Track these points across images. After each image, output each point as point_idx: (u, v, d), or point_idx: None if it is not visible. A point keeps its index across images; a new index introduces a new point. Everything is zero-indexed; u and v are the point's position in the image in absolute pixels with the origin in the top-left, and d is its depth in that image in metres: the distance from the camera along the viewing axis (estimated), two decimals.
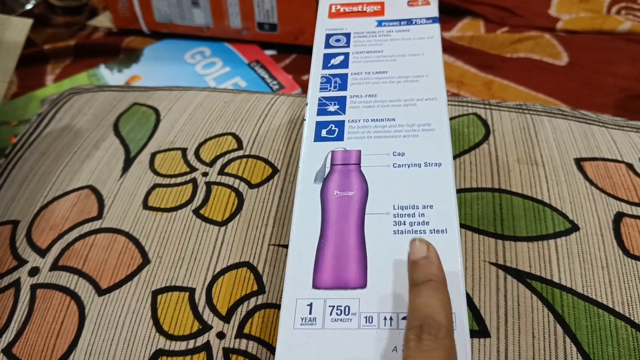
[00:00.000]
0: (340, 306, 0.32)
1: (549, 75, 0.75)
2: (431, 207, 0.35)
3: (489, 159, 0.48)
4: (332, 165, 0.38)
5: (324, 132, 0.40)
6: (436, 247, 0.33)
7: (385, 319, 0.32)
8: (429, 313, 0.29)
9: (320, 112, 0.42)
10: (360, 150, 0.39)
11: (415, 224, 0.35)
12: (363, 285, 0.33)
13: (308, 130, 0.41)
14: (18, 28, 0.64)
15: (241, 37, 0.84)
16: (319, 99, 0.42)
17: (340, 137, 0.40)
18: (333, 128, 0.40)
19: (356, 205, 0.36)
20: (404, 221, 0.35)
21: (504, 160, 0.48)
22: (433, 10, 0.47)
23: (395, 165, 0.38)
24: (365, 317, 0.32)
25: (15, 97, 0.79)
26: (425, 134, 0.39)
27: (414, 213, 0.35)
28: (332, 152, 0.39)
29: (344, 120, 0.41)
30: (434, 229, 0.34)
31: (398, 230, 0.34)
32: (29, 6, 0.89)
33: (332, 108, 0.42)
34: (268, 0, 0.77)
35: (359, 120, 0.40)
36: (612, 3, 0.88)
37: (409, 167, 0.37)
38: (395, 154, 0.38)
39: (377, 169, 0.37)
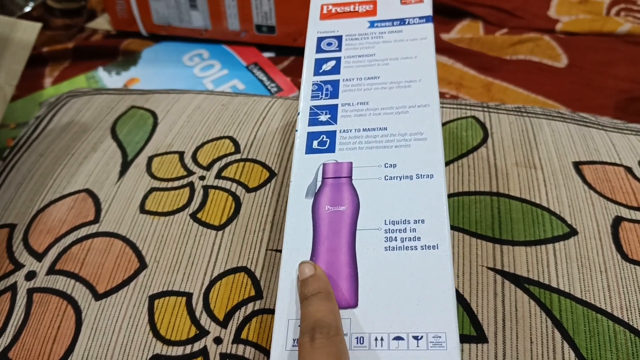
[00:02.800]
0: None
1: (548, 77, 0.75)
2: (423, 221, 0.35)
3: (487, 162, 0.48)
4: (323, 178, 0.38)
5: (315, 144, 0.40)
6: (428, 263, 0.33)
7: (376, 339, 0.31)
8: (319, 317, 0.31)
9: (312, 122, 0.41)
10: (351, 163, 0.38)
11: (407, 239, 0.34)
12: (354, 304, 0.33)
13: (299, 142, 0.40)
14: (27, 31, 0.64)
15: (239, 39, 0.84)
16: (311, 108, 0.42)
17: (331, 149, 0.39)
18: (324, 139, 0.40)
19: (347, 220, 0.36)
20: (395, 237, 0.34)
21: (502, 163, 0.47)
22: (427, 8, 0.46)
23: (386, 177, 0.37)
24: (357, 338, 0.31)
25: (14, 99, 0.78)
26: (417, 143, 0.38)
27: (406, 228, 0.35)
28: (323, 165, 0.38)
29: (335, 131, 0.40)
30: (425, 245, 0.34)
31: (389, 247, 0.34)
32: (27, 8, 0.89)
33: (323, 117, 0.41)
34: (266, 2, 0.77)
35: (351, 130, 0.40)
36: (611, 4, 0.88)
37: (400, 179, 0.37)
38: (386, 165, 0.38)
39: (369, 182, 0.37)
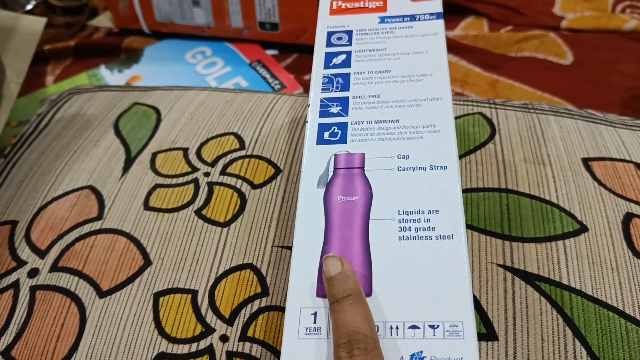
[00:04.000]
0: None
1: (554, 74, 0.75)
2: (437, 212, 0.34)
3: (495, 158, 0.47)
4: (335, 169, 0.37)
5: (326, 135, 0.39)
6: (442, 253, 0.33)
7: (391, 327, 0.31)
8: (354, 328, 0.29)
9: (323, 113, 0.41)
10: (363, 153, 0.38)
11: (421, 229, 0.34)
12: (368, 293, 0.32)
13: (310, 132, 0.40)
14: (32, 27, 0.63)
15: (242, 36, 0.84)
16: (321, 100, 0.42)
17: (343, 140, 0.39)
18: (336, 130, 0.39)
19: (360, 210, 0.35)
20: (410, 227, 0.34)
21: (510, 160, 0.47)
22: (437, 5, 0.46)
23: (399, 168, 0.37)
24: None
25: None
26: (430, 135, 0.38)
27: (420, 218, 0.34)
28: (335, 155, 0.38)
29: (346, 122, 0.40)
30: (440, 235, 0.33)
31: (403, 237, 0.34)
32: (29, 7, 0.88)
33: (334, 109, 0.41)
34: None
35: (362, 122, 0.40)
36: (616, 1, 0.87)
37: (413, 170, 0.36)
38: (399, 156, 0.37)
39: (381, 173, 0.37)
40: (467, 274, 0.32)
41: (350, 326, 0.29)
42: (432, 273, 0.32)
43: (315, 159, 0.38)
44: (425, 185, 0.36)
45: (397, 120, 0.39)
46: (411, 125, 0.39)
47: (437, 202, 0.35)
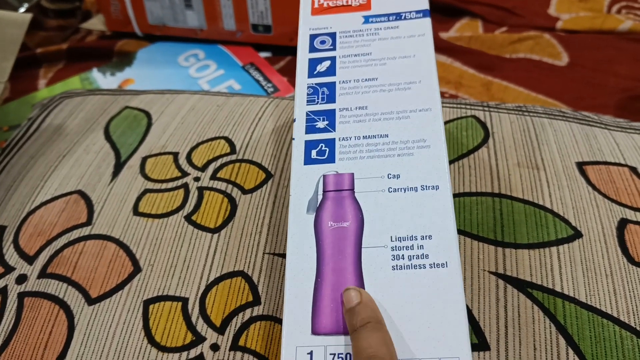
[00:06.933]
0: (342, 354, 0.31)
1: (549, 75, 0.74)
2: (430, 237, 0.33)
3: (489, 162, 0.47)
4: (324, 192, 0.36)
5: (313, 154, 0.38)
6: (437, 284, 0.32)
7: None
8: (372, 353, 0.29)
9: (309, 129, 0.39)
10: (353, 174, 0.36)
11: (414, 257, 0.33)
12: None
13: (297, 151, 0.38)
14: (16, 24, 0.62)
15: (235, 39, 0.83)
16: (307, 114, 0.40)
17: (331, 159, 0.37)
18: (323, 148, 0.38)
19: (352, 237, 0.34)
20: (403, 255, 0.33)
21: (504, 164, 0.46)
22: (423, 1, 0.44)
23: (390, 189, 0.35)
24: None
25: (7, 101, 0.77)
26: (420, 151, 0.37)
27: (413, 245, 0.33)
28: (324, 176, 0.37)
29: (334, 139, 0.38)
30: (434, 263, 0.32)
31: (397, 266, 0.33)
32: (21, 9, 0.88)
33: (321, 124, 0.39)
34: (262, 2, 0.76)
35: (350, 138, 0.38)
36: (612, 2, 0.87)
37: (405, 191, 0.35)
38: (390, 176, 0.36)
39: (372, 195, 0.35)
40: (463, 305, 0.31)
41: (367, 351, 0.29)
42: (427, 305, 0.31)
43: (304, 181, 0.37)
44: (417, 207, 0.34)
45: (386, 135, 0.38)
46: (401, 141, 0.37)
47: (430, 226, 0.34)
